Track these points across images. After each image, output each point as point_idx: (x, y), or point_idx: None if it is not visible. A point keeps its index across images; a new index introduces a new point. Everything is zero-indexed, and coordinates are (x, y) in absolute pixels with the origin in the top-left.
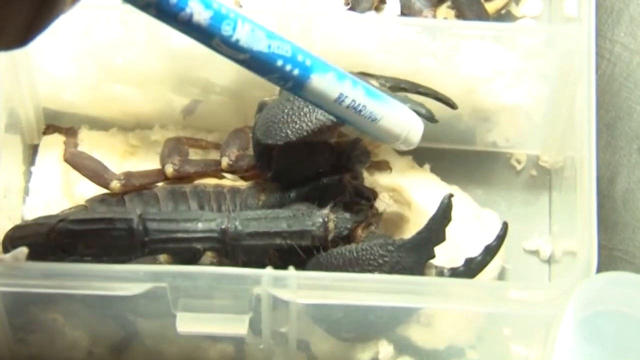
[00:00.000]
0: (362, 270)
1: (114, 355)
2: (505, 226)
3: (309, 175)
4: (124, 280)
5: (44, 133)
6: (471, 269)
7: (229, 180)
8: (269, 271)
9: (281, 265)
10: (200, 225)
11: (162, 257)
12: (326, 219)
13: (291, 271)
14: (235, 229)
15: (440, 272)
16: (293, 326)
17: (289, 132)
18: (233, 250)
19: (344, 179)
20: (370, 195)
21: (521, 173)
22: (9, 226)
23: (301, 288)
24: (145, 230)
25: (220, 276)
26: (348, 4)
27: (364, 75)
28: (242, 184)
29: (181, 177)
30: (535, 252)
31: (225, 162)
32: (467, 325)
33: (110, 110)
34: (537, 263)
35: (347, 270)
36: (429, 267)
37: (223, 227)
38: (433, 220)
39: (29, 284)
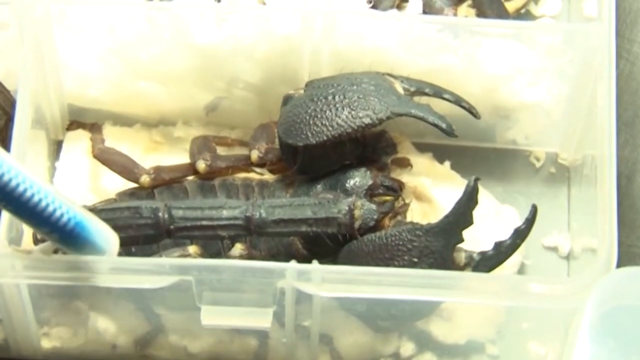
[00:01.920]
0: (392, 255)
1: (138, 348)
2: (534, 209)
3: (334, 167)
4: (150, 273)
5: (68, 129)
6: (501, 252)
7: (257, 174)
8: (293, 265)
9: (309, 257)
10: (225, 213)
11: (191, 248)
12: (352, 207)
13: (315, 265)
14: (259, 216)
15: (469, 256)
16: (316, 320)
17: (309, 134)
18: (259, 237)
19: (370, 170)
20: (396, 187)
21: (540, 170)
22: None
23: (325, 281)
24: (171, 218)
25: (245, 269)
26: (370, 2)
27: (389, 76)
28: (270, 177)
29: (212, 172)
30: (554, 249)
31: (255, 155)
32: (487, 319)
33: (134, 107)
34: (556, 259)
35: (377, 257)
36: (458, 251)
37: (247, 214)
38: (459, 203)
39: (56, 277)
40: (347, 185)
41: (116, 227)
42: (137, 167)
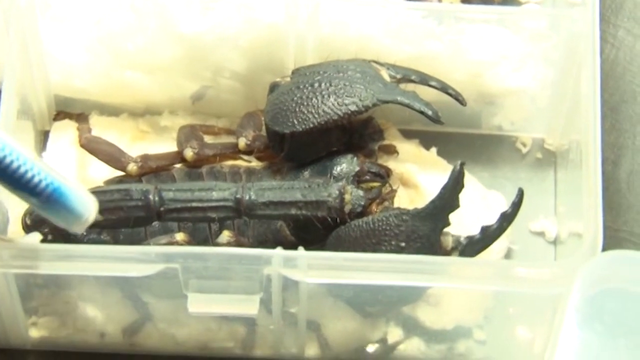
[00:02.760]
0: (379, 240)
1: (126, 337)
2: (520, 193)
3: (322, 154)
4: (136, 262)
5: (55, 119)
6: (488, 235)
7: (245, 162)
8: (279, 251)
9: (297, 244)
10: (214, 195)
11: (179, 235)
12: (342, 190)
13: (301, 251)
14: (249, 198)
15: (456, 240)
16: (303, 306)
17: (295, 121)
18: (247, 224)
19: (357, 157)
20: (383, 173)
21: (526, 156)
22: (20, 209)
23: (311, 268)
24: (161, 200)
25: (231, 257)
26: None
27: (376, 63)
28: (257, 164)
29: (200, 160)
30: (540, 234)
31: (242, 142)
32: (475, 305)
33: (121, 97)
34: (543, 244)
35: (364, 242)
36: (445, 235)
37: (237, 196)
38: (446, 187)
39: (42, 266)
40: (334, 171)
41: (106, 210)
42: (124, 156)
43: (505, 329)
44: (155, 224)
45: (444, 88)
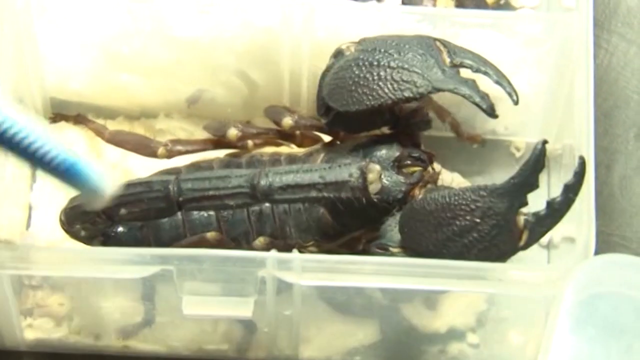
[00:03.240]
0: (454, 215)
1: (121, 339)
2: (582, 161)
3: (365, 130)
4: (131, 263)
5: (51, 122)
6: (555, 209)
7: (287, 148)
8: (273, 254)
9: (341, 229)
10: (231, 182)
11: (210, 234)
12: (364, 169)
13: (295, 254)
14: (265, 183)
15: (526, 220)
16: (297, 309)
17: (350, 101)
18: (284, 213)
19: (398, 141)
20: (424, 157)
21: (520, 160)
22: (15, 213)
23: (305, 270)
24: (179, 190)
25: (225, 259)
26: None
27: (440, 43)
28: (299, 151)
29: (244, 138)
30: None
31: (288, 121)
32: (468, 308)
33: (116, 100)
34: (536, 248)
35: (439, 215)
36: (519, 214)
37: (253, 182)
38: (526, 165)
39: (37, 268)
40: (374, 156)
41: (129, 203)
42: (152, 142)
43: (499, 332)
44: (195, 219)
45: (499, 81)
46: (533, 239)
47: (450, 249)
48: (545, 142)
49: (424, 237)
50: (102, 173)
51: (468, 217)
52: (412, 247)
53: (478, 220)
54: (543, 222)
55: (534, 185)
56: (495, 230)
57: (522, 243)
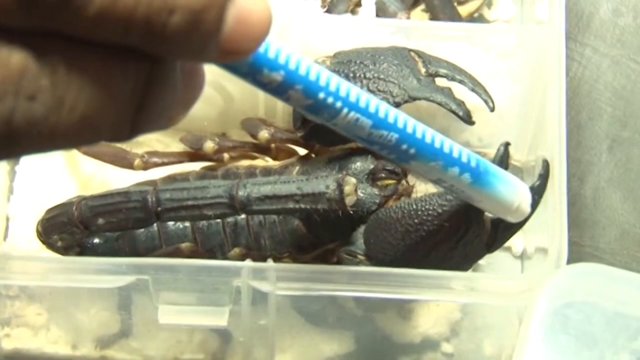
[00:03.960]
0: (422, 221)
1: (98, 349)
2: (546, 164)
3: (340, 142)
4: (107, 273)
5: None
6: None
7: (262, 161)
8: (248, 263)
9: (315, 241)
10: (209, 192)
11: (184, 245)
12: (341, 182)
13: (270, 263)
14: (243, 194)
15: (493, 221)
16: (272, 318)
17: None
18: (262, 226)
19: (372, 154)
20: (399, 170)
21: None
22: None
23: (280, 280)
24: (157, 200)
25: (200, 269)
26: (324, 7)
27: (414, 53)
28: (274, 164)
29: (220, 152)
30: (507, 248)
31: (265, 134)
32: (442, 317)
33: None
34: (510, 259)
35: (406, 222)
36: (486, 216)
37: (232, 192)
38: None
39: (13, 277)
40: (349, 169)
41: (107, 213)
42: (128, 154)
43: (473, 341)
44: (171, 230)
45: (475, 89)
46: (500, 241)
47: (418, 254)
48: (507, 144)
49: (390, 246)
50: (513, 179)
51: (435, 222)
52: (378, 257)
53: (446, 224)
54: (510, 224)
55: None
56: (462, 232)
57: (489, 245)
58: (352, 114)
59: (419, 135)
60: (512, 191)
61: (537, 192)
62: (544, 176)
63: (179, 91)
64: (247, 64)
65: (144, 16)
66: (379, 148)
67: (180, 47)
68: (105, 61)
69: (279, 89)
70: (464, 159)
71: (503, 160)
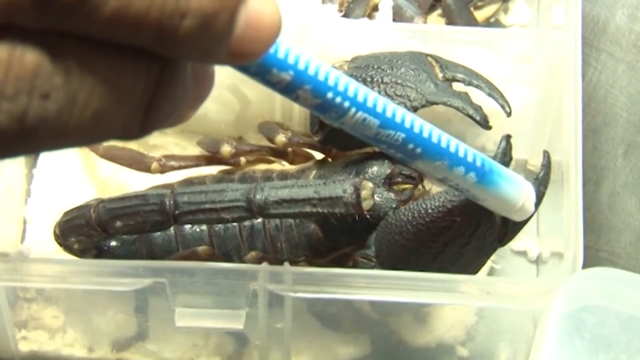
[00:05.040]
0: (433, 219)
1: (115, 352)
2: (547, 155)
3: (357, 147)
4: (124, 276)
5: None
6: None
7: (279, 165)
8: (265, 266)
9: (332, 245)
10: (227, 196)
11: (201, 248)
12: (358, 186)
13: (287, 266)
14: (261, 197)
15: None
16: (288, 321)
17: None
18: (278, 230)
19: (389, 159)
20: (415, 175)
21: None
22: (10, 227)
23: (297, 283)
24: (175, 203)
25: (217, 271)
26: (342, 11)
27: (431, 58)
28: (291, 168)
29: (237, 155)
30: (523, 253)
31: (282, 138)
32: (457, 321)
33: None
34: (525, 263)
35: (417, 222)
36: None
37: (249, 196)
38: (495, 159)
39: (31, 280)
40: (366, 173)
41: (124, 216)
42: (145, 157)
43: (488, 345)
44: (187, 233)
45: (492, 94)
46: (512, 233)
47: (432, 253)
48: (509, 136)
49: (403, 248)
50: (518, 178)
51: (447, 218)
52: (391, 262)
53: (457, 219)
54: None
55: None
56: (474, 226)
57: (501, 238)
58: (359, 113)
59: (425, 135)
60: (517, 190)
61: (542, 183)
62: (547, 166)
63: (189, 90)
64: (257, 64)
65: (157, 19)
66: (386, 147)
67: (191, 50)
68: (117, 61)
69: (288, 89)
70: (470, 159)
71: (506, 152)
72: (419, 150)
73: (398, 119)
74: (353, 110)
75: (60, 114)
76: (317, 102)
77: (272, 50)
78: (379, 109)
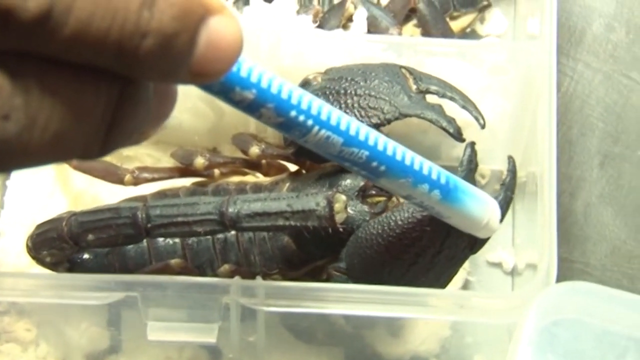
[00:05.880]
0: (403, 230)
1: None
2: (512, 160)
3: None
4: (96, 290)
5: None
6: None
7: (252, 177)
8: (237, 280)
9: (305, 257)
10: (199, 209)
11: (174, 262)
12: (331, 199)
13: (259, 280)
14: (233, 210)
15: None
16: (261, 335)
17: None
18: (252, 243)
19: None
20: None
21: (485, 187)
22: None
23: (269, 297)
24: (147, 217)
25: (189, 285)
26: (316, 22)
27: (405, 70)
28: (264, 180)
29: (210, 167)
30: (498, 265)
31: (255, 150)
32: (431, 334)
33: None
34: (501, 275)
35: (388, 234)
36: None
37: (222, 209)
38: (461, 166)
39: (3, 294)
40: (339, 186)
41: (97, 229)
42: (119, 169)
43: (462, 358)
44: (160, 246)
45: (465, 106)
46: (482, 241)
47: (404, 265)
48: (473, 143)
49: (375, 262)
50: (484, 201)
51: (417, 229)
52: (363, 276)
53: (427, 228)
54: None
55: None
56: (445, 235)
57: (471, 245)
58: (323, 131)
59: (389, 152)
60: (482, 207)
61: (509, 188)
62: (512, 171)
63: (151, 109)
64: (219, 83)
65: (117, 39)
66: (350, 165)
67: (152, 70)
68: (77, 81)
69: (251, 107)
70: (434, 176)
71: (472, 159)
72: (382, 168)
73: (362, 137)
74: (316, 128)
75: (20, 135)
76: (280, 120)
77: (234, 68)
78: (343, 127)
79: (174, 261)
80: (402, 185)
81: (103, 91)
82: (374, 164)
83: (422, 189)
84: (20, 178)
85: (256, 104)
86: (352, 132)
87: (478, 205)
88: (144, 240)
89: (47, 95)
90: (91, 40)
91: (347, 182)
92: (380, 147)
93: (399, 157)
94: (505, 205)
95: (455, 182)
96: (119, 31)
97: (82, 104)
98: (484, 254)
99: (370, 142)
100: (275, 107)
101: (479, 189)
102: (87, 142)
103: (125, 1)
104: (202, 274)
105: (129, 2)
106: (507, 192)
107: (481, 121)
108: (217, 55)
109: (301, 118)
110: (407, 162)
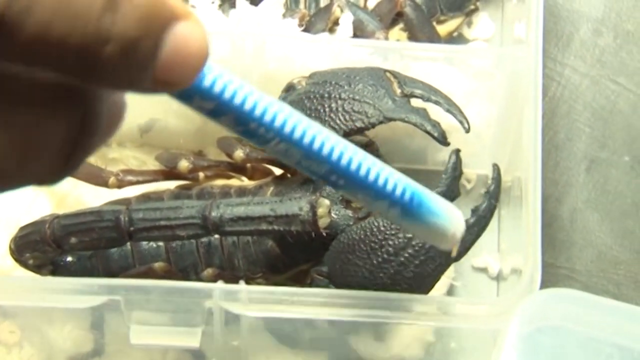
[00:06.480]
0: (386, 236)
1: None
2: (497, 168)
3: None
4: (79, 293)
5: None
6: (480, 216)
7: (237, 181)
8: (220, 285)
9: (289, 262)
10: (182, 213)
11: (157, 265)
12: (314, 204)
13: (242, 285)
14: (216, 214)
15: None
16: (245, 339)
17: None
18: (237, 246)
19: None
20: None
21: (471, 192)
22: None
23: (252, 302)
24: (130, 220)
25: (172, 290)
26: (302, 25)
27: (390, 74)
28: (249, 183)
29: (195, 171)
30: (484, 270)
31: (240, 154)
32: (416, 340)
33: None
34: (486, 280)
35: (370, 240)
36: None
37: (205, 213)
38: (446, 173)
39: None
40: (323, 190)
41: (79, 232)
42: (103, 172)
43: None
44: (144, 250)
45: (450, 110)
46: (464, 248)
47: (387, 271)
48: (458, 150)
49: (358, 267)
50: (449, 211)
51: (400, 235)
52: (346, 281)
53: (410, 235)
54: (471, 230)
55: (456, 192)
56: (424, 240)
57: (454, 253)
58: (282, 144)
59: (353, 167)
60: (445, 224)
61: (493, 196)
62: (497, 179)
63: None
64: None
65: (78, 45)
66: (310, 174)
67: (114, 77)
68: (35, 115)
69: (211, 115)
70: (398, 192)
71: (456, 167)
72: (341, 182)
73: (325, 151)
74: (276, 140)
75: None
76: (240, 129)
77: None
78: (307, 140)
79: (158, 264)
80: (362, 199)
81: (62, 124)
82: (333, 177)
83: (381, 204)
84: None
85: (215, 113)
86: (315, 146)
87: (441, 223)
88: (128, 243)
89: (2, 130)
90: (51, 45)
91: None
92: (344, 162)
93: (362, 172)
94: (489, 214)
95: (420, 199)
96: (79, 36)
97: (41, 138)
98: (469, 259)
99: (334, 156)
100: (235, 117)
101: (447, 203)
102: (44, 173)
103: (88, 3)
104: (186, 277)
105: (91, 4)
106: (491, 200)
107: (466, 125)
108: (182, 63)
109: (261, 130)
110: (371, 177)
